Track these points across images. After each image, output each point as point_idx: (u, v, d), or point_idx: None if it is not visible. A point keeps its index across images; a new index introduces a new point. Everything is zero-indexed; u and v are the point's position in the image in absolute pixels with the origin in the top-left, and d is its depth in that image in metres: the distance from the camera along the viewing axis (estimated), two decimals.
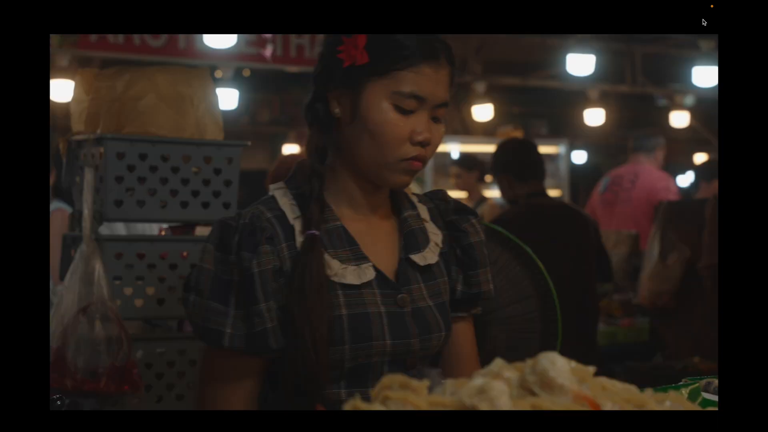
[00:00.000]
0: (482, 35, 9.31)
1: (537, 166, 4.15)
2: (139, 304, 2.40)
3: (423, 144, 1.73)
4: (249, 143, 2.58)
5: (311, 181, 1.76)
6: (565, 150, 10.90)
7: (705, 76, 8.72)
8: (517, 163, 4.12)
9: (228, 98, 8.83)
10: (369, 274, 1.74)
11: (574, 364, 1.07)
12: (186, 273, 2.45)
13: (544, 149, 11.62)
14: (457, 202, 1.93)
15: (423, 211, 1.88)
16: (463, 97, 10.10)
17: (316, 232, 1.71)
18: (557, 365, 1.04)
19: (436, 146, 1.77)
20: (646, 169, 6.39)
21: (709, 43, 8.71)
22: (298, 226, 1.73)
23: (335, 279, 1.71)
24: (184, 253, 2.45)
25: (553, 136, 12.32)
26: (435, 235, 1.86)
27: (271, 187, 1.81)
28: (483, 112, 9.96)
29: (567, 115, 12.92)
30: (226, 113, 2.74)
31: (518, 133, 9.84)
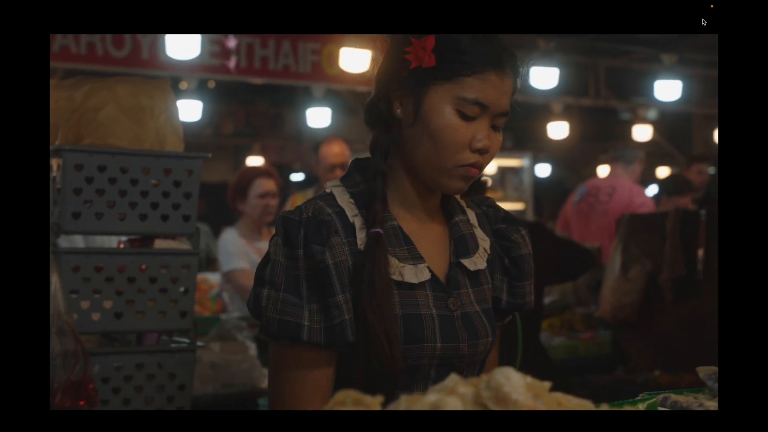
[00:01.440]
0: None
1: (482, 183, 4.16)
2: (96, 317, 2.37)
3: (482, 151, 1.74)
4: (209, 155, 2.56)
5: (376, 180, 1.76)
6: (529, 163, 10.97)
7: (667, 90, 8.79)
8: None
9: (192, 110, 8.76)
10: (425, 274, 1.74)
11: (529, 379, 1.07)
12: (144, 287, 2.42)
13: (508, 162, 11.71)
14: (506, 211, 1.95)
15: (471, 217, 1.89)
16: None
17: (381, 231, 1.71)
18: (512, 380, 1.04)
19: (494, 155, 1.78)
20: (624, 183, 6.47)
21: (671, 58, 8.79)
22: (357, 223, 1.73)
23: (394, 277, 1.71)
24: (143, 266, 2.43)
25: (517, 149, 12.40)
26: (483, 241, 1.87)
27: (328, 184, 1.81)
28: None
29: (531, 128, 12.98)
30: (189, 125, 2.73)
31: None
